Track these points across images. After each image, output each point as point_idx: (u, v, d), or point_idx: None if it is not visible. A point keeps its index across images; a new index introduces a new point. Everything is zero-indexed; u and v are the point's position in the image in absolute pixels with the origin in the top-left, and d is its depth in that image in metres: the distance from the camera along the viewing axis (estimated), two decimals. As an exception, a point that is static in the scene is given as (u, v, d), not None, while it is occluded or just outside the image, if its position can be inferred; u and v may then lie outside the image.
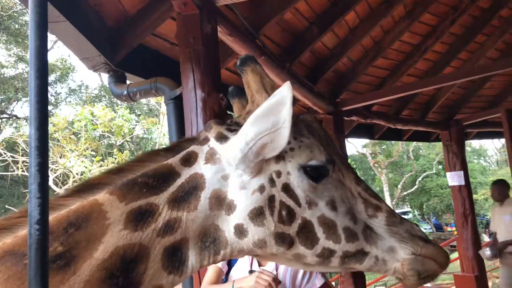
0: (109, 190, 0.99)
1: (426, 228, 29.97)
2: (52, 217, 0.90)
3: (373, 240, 1.10)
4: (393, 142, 25.75)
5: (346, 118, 6.12)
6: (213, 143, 1.12)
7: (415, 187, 28.44)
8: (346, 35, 5.30)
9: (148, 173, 1.04)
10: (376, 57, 5.82)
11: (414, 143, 26.04)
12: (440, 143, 8.05)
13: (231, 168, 1.08)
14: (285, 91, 0.99)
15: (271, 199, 1.05)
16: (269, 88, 1.21)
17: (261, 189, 1.05)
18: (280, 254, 1.08)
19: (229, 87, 1.41)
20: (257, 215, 1.04)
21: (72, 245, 0.88)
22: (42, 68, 0.84)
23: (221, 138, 1.12)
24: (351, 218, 1.10)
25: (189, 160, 1.09)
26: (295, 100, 5.52)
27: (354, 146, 32.23)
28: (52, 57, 20.91)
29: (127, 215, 0.96)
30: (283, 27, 4.55)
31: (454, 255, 14.02)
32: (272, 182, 1.07)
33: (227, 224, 1.05)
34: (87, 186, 1.00)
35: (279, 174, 1.08)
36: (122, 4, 3.18)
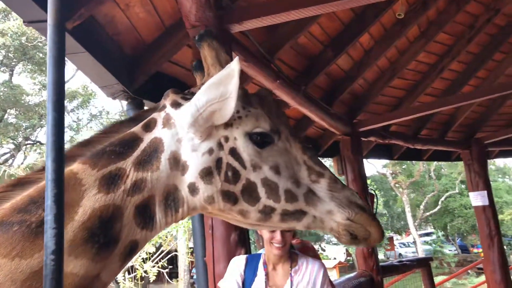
0: (81, 160, 1.12)
1: (451, 249, 29.08)
2: (33, 189, 1.04)
3: (313, 202, 1.26)
4: (414, 161, 25.32)
5: (364, 139, 6.07)
6: (168, 109, 1.26)
7: (438, 207, 27.76)
8: (361, 57, 5.32)
9: (114, 142, 1.17)
10: (392, 77, 5.80)
11: (436, 162, 25.55)
12: (462, 162, 7.89)
13: (184, 132, 1.21)
14: (234, 65, 1.12)
15: (218, 160, 1.21)
16: (224, 63, 1.33)
17: (210, 151, 1.20)
18: (227, 210, 1.23)
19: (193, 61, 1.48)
20: (206, 174, 1.19)
21: None
22: (59, 102, 0.87)
23: (176, 104, 1.26)
24: (294, 182, 1.25)
25: (149, 126, 1.23)
26: (311, 122, 5.53)
27: (374, 166, 31.85)
28: (74, 84, 21.54)
29: (99, 180, 1.09)
30: (297, 51, 4.60)
31: (482, 278, 13.54)
32: (220, 146, 1.22)
33: (183, 184, 1.19)
34: None
35: (226, 139, 1.23)
36: (139, 33, 3.27)
